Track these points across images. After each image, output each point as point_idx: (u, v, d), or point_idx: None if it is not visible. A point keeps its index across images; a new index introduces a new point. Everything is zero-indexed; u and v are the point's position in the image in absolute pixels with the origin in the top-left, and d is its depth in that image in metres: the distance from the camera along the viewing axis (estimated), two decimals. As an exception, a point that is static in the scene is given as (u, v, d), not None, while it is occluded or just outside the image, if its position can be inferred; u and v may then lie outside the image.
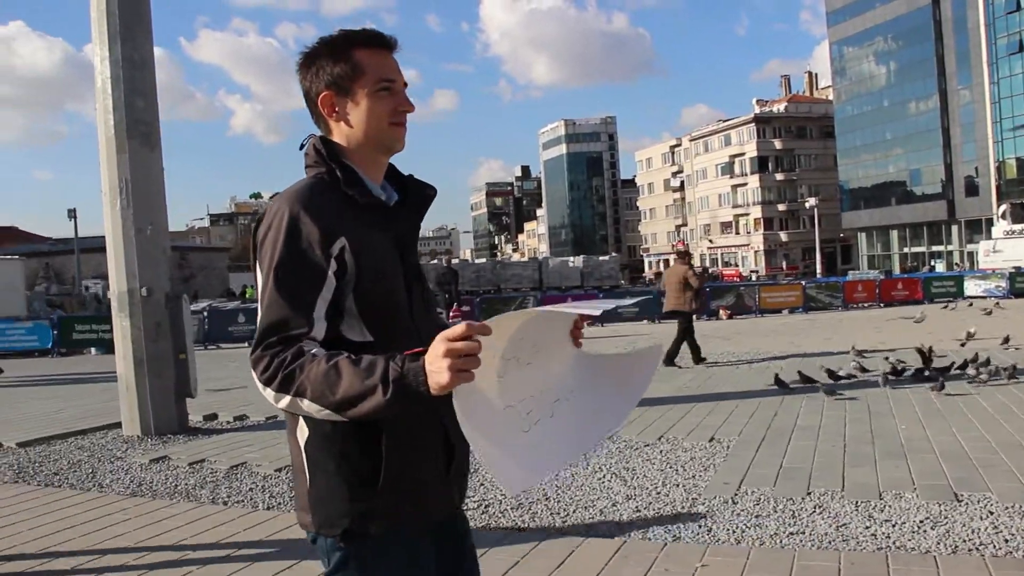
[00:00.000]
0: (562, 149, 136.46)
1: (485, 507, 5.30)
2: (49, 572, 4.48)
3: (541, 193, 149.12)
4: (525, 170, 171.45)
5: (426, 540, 1.88)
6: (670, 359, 12.59)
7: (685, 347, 12.88)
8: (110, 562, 4.58)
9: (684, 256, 13.69)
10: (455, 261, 32.84)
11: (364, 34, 1.89)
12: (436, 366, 1.51)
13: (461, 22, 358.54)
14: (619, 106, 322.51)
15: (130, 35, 8.58)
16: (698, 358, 12.83)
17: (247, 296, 46.72)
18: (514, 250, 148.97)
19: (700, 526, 4.71)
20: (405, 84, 1.91)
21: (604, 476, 5.94)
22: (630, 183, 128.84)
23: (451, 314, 19.06)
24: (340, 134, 1.90)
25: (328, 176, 1.84)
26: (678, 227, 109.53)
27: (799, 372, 10.10)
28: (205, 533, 5.06)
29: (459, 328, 1.51)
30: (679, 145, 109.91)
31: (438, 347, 1.51)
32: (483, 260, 33.85)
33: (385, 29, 1.89)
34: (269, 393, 1.68)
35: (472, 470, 2.41)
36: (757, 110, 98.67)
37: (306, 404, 1.64)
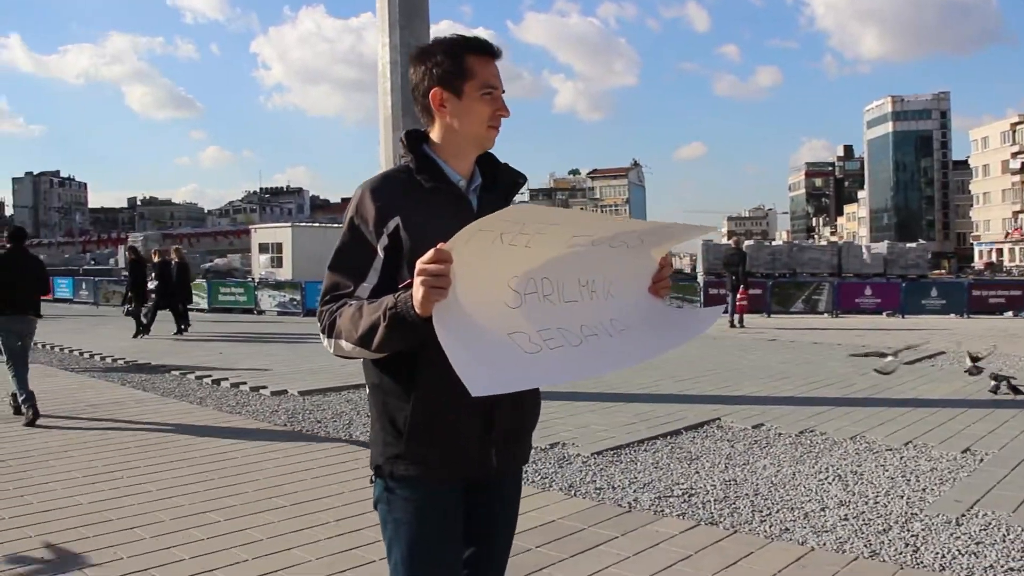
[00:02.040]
0: (888, 127, 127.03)
1: (689, 497, 5.20)
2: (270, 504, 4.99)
3: (863, 174, 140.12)
4: (848, 150, 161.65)
5: (453, 492, 2.06)
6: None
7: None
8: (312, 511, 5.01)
9: None
10: (749, 243, 31.82)
11: (476, 41, 2.09)
12: (415, 287, 1.75)
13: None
14: (953, 80, 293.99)
15: (408, 23, 9.22)
16: None
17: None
18: (832, 233, 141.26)
19: (906, 544, 4.29)
20: (503, 92, 2.10)
21: (827, 477, 5.58)
22: (962, 164, 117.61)
23: (738, 296, 18.60)
24: (440, 127, 2.09)
25: (411, 164, 2.06)
26: (1015, 213, 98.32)
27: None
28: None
29: (428, 253, 1.73)
30: (1022, 123, 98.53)
31: (416, 270, 1.75)
32: (779, 243, 32.40)
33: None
34: (324, 340, 1.99)
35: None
36: None
37: (344, 344, 1.92)
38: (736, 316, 18.31)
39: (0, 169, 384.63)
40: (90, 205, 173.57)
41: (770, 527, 4.59)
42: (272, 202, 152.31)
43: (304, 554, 4.16)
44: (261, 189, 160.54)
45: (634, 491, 5.32)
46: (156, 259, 18.00)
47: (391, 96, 9.27)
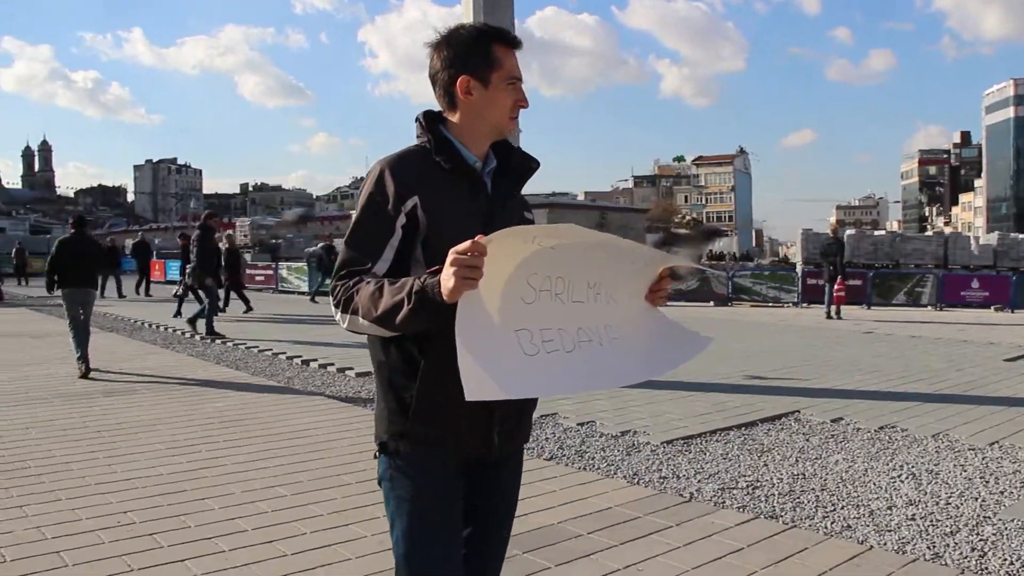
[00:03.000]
0: (1009, 112, 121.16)
1: (753, 489, 5.13)
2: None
3: (981, 162, 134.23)
4: (964, 136, 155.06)
5: (454, 472, 2.10)
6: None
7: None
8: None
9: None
10: (850, 232, 30.84)
11: (501, 32, 2.15)
12: (446, 275, 1.77)
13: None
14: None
15: (492, 10, 9.25)
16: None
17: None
18: (946, 223, 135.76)
19: (972, 549, 4.14)
20: (523, 82, 2.15)
21: (900, 475, 5.43)
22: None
23: (836, 286, 18.11)
24: (463, 113, 2.14)
25: (428, 144, 2.10)
26: None
27: None
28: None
29: (465, 243, 1.75)
30: None
31: (448, 259, 1.77)
32: (881, 233, 31.22)
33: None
34: (337, 314, 2.01)
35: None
36: None
37: (360, 321, 1.95)
38: (833, 307, 17.86)
39: (123, 157, 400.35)
40: (204, 191, 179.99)
41: (831, 523, 4.49)
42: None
43: (361, 530, 4.28)
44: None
45: (698, 481, 5.28)
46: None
47: (475, 83, 9.36)
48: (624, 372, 2.18)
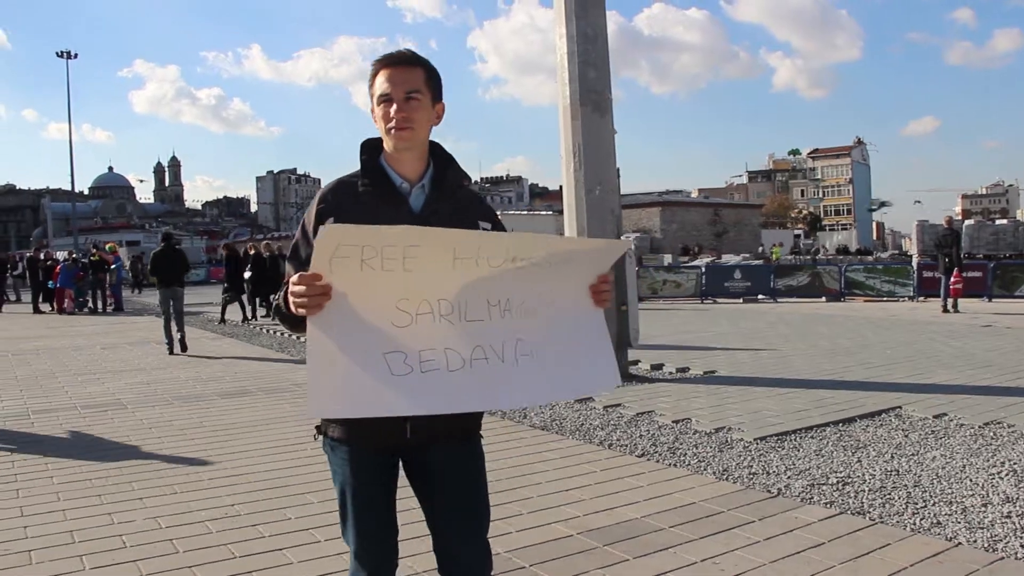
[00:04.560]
0: None
1: (842, 485, 5.10)
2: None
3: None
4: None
5: (380, 455, 2.32)
6: None
7: None
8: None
9: None
10: (969, 222, 29.62)
11: (382, 56, 2.31)
12: (291, 298, 2.04)
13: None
14: None
15: (584, 12, 9.34)
16: None
17: (774, 257, 46.90)
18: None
19: (1068, 545, 4.06)
20: (408, 97, 2.24)
21: (1000, 472, 5.28)
22: None
23: (952, 278, 17.48)
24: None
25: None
26: None
27: None
28: (560, 461, 5.59)
29: (297, 275, 2.02)
30: None
31: (290, 283, 2.06)
32: (1003, 222, 29.71)
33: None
34: (275, 317, 2.40)
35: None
36: None
37: (282, 325, 2.34)
38: (950, 300, 17.24)
39: (246, 169, 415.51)
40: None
41: (920, 520, 4.43)
42: (492, 191, 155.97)
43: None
44: (482, 179, 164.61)
45: (787, 478, 5.27)
46: (251, 252, 20.03)
47: (569, 87, 9.45)
48: (523, 392, 2.25)
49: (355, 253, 1.96)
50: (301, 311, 2.01)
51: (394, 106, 2.24)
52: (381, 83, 2.26)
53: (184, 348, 12.91)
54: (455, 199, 2.35)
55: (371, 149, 2.33)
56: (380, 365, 2.02)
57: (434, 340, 2.08)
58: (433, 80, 2.31)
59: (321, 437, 2.38)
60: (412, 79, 2.25)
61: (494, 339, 2.15)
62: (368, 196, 2.25)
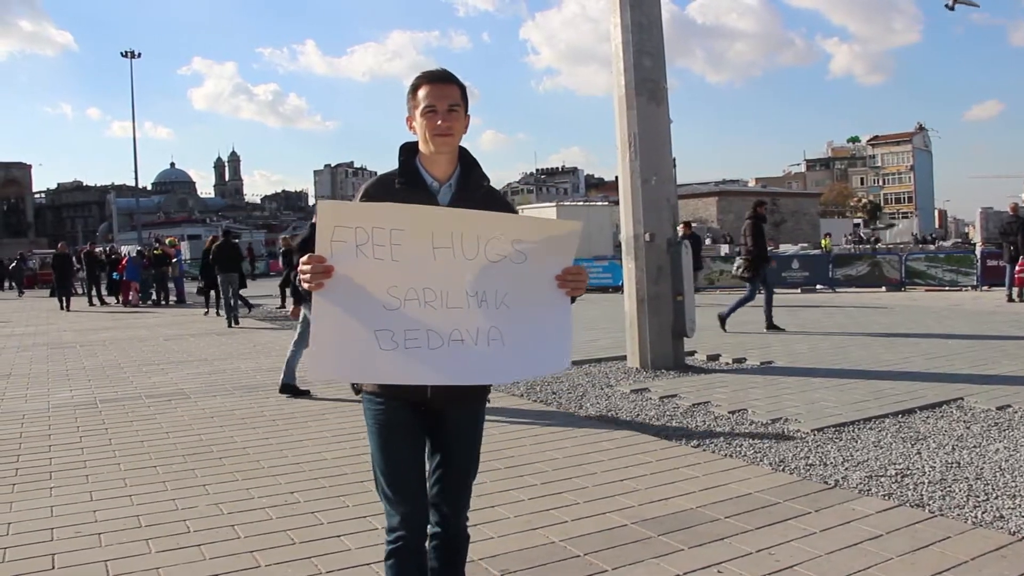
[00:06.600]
0: None
1: (901, 477, 5.03)
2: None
3: None
4: None
5: (408, 409, 2.63)
6: None
7: None
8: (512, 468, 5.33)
9: None
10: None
11: (423, 74, 2.65)
12: (300, 275, 2.41)
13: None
14: None
15: (638, 1, 9.28)
16: None
17: (824, 246, 46.23)
18: None
19: None
20: (450, 109, 2.59)
21: (1067, 465, 5.19)
22: None
23: (1017, 267, 17.02)
24: (419, 141, 2.68)
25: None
26: None
27: None
28: (603, 453, 5.60)
29: (307, 256, 2.39)
30: None
31: (300, 263, 2.42)
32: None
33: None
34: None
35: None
36: None
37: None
38: (1015, 289, 16.82)
39: (303, 163, 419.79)
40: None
41: (982, 513, 4.35)
42: (548, 182, 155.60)
43: (504, 511, 4.51)
44: (537, 170, 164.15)
45: (844, 469, 5.21)
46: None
47: (624, 76, 9.41)
48: (488, 372, 2.56)
49: (350, 236, 2.35)
50: (306, 286, 2.37)
51: (439, 117, 2.57)
52: (425, 96, 2.59)
53: (237, 322, 16.88)
54: (477, 197, 2.65)
55: (408, 152, 2.67)
56: (371, 340, 2.40)
57: (418, 322, 2.44)
58: (465, 96, 2.66)
59: (362, 395, 2.73)
60: (452, 94, 2.60)
61: (470, 324, 2.50)
62: (403, 192, 2.56)
